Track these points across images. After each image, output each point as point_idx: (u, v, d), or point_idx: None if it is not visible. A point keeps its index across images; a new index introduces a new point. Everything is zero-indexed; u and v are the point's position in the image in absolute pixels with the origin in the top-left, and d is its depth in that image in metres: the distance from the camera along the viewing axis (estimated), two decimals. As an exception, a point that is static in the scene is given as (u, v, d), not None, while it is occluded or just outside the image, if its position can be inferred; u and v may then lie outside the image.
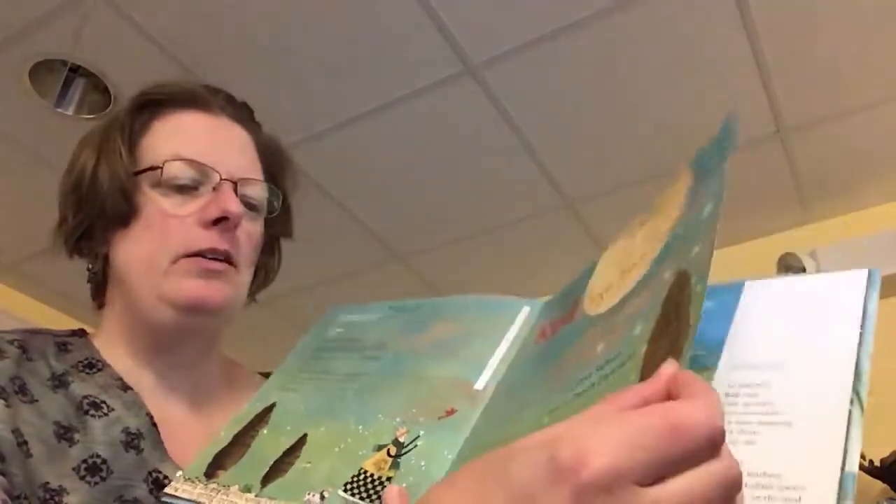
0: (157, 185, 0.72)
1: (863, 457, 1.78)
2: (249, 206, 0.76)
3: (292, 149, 0.87)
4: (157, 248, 0.71)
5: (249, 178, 0.76)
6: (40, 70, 1.86)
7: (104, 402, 0.69)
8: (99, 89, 1.93)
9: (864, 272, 0.49)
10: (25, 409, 0.64)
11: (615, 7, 1.66)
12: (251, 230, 0.76)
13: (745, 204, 2.23)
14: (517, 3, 1.66)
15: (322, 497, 0.58)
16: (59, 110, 1.95)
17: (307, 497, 0.54)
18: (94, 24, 1.71)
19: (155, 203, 0.72)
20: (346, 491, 0.50)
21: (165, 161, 0.72)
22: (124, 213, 0.72)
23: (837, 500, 0.38)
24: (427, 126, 1.99)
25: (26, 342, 0.71)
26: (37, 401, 0.66)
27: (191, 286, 0.70)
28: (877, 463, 1.75)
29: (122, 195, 0.72)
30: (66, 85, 1.92)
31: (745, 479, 0.40)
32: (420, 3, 1.66)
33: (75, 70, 1.88)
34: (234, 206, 0.71)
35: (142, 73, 1.83)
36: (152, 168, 0.72)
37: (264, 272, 0.84)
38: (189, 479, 0.58)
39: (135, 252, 0.73)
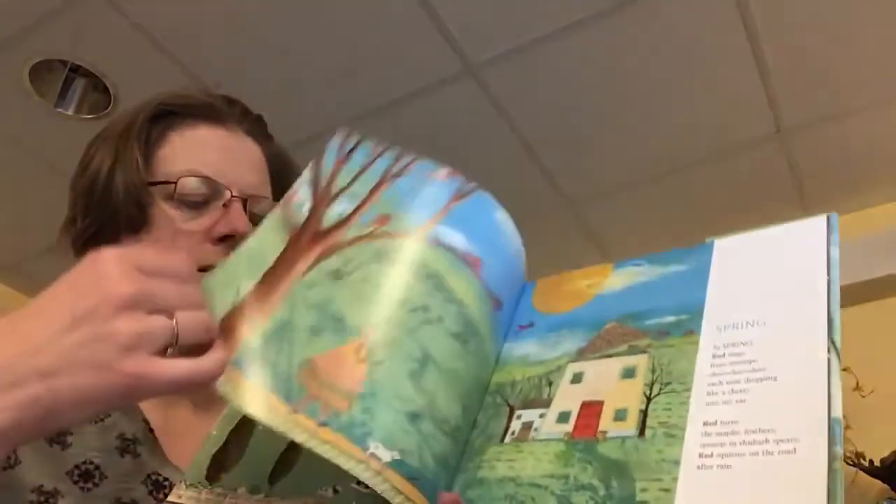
0: (170, 198, 0.73)
1: (863, 457, 1.78)
2: (256, 222, 0.77)
3: (292, 149, 0.88)
4: None
5: (259, 196, 0.77)
6: (40, 70, 1.86)
7: None
8: (99, 89, 1.93)
9: (823, 219, 0.52)
10: None
11: (615, 7, 1.66)
12: None
13: (745, 204, 2.22)
14: (517, 3, 1.66)
15: (335, 491, 0.57)
16: (59, 110, 1.95)
17: (319, 493, 0.53)
18: (94, 24, 1.71)
19: (166, 215, 0.73)
20: (359, 483, 0.50)
21: (180, 177, 0.73)
22: (136, 222, 0.73)
23: (828, 445, 0.41)
24: (427, 126, 1.99)
25: None
26: None
27: None
28: (877, 463, 1.75)
29: (137, 205, 0.73)
30: (66, 85, 1.92)
31: (743, 436, 0.44)
32: (420, 3, 1.66)
33: (75, 70, 1.88)
34: (242, 224, 0.73)
35: (142, 74, 1.83)
36: (166, 182, 0.74)
37: None
38: (192, 484, 0.57)
39: None
